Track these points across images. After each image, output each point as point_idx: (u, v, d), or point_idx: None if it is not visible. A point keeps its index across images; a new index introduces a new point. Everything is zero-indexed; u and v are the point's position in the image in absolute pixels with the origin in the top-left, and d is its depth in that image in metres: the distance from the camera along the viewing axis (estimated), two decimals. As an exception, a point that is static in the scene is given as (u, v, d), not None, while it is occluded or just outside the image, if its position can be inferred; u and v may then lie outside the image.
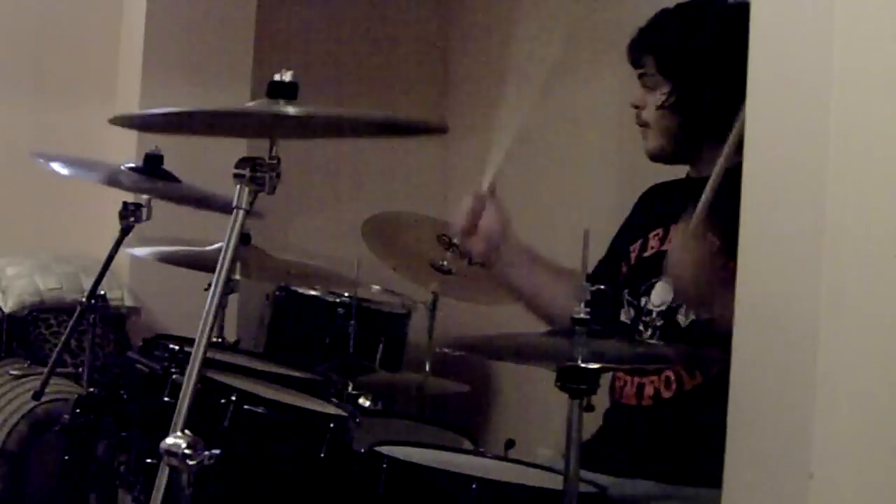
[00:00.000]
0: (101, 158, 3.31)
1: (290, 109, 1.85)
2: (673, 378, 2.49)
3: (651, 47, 2.61)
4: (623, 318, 2.64)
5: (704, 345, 2.39)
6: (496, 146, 2.62)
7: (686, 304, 2.45)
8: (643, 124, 2.64)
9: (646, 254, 2.65)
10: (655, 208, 2.75)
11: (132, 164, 2.92)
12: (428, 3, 5.08)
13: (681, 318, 2.50)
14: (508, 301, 3.23)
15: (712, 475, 2.01)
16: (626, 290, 2.65)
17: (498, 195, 2.72)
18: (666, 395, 2.50)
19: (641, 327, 2.58)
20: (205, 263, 2.98)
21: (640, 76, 2.64)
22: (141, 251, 3.32)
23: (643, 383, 2.54)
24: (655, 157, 2.66)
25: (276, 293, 4.12)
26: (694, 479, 2.38)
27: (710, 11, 2.54)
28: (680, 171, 2.74)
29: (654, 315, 2.56)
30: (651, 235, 2.65)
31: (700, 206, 2.28)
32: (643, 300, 2.59)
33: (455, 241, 2.74)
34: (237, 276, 3.07)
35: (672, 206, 2.66)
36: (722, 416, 1.96)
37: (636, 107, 2.65)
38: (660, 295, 2.56)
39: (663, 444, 2.50)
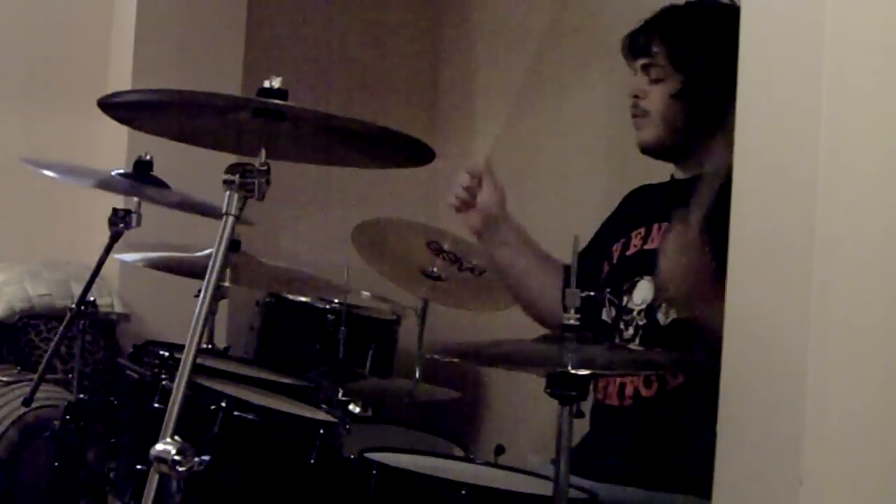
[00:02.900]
0: (92, 165, 3.30)
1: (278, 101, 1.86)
2: (654, 377, 2.49)
3: (663, 37, 2.58)
4: (605, 317, 2.64)
5: (685, 343, 2.39)
6: (493, 120, 2.63)
7: (667, 302, 2.44)
8: (641, 114, 2.62)
9: (628, 252, 2.66)
10: (639, 208, 2.75)
11: (122, 171, 2.92)
12: (417, 10, 5.09)
13: (660, 317, 2.50)
14: (496, 307, 3.24)
15: (698, 481, 2.02)
16: (608, 290, 2.65)
17: (493, 169, 2.72)
18: (646, 393, 2.50)
19: (622, 326, 2.58)
20: (194, 270, 2.98)
21: (645, 66, 2.61)
22: (130, 257, 3.32)
23: (624, 383, 2.55)
24: (650, 148, 2.64)
25: (266, 299, 4.12)
26: (678, 485, 2.38)
27: (721, 10, 2.54)
28: (664, 169, 2.74)
29: (634, 313, 2.56)
30: (633, 234, 2.66)
31: (699, 205, 2.26)
32: (624, 299, 2.59)
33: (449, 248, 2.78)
34: (227, 283, 3.07)
35: (656, 206, 2.67)
36: (705, 415, 1.96)
37: (636, 96, 2.63)
38: (641, 293, 2.56)
39: (646, 446, 2.50)
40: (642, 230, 2.64)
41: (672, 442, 2.44)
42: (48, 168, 2.96)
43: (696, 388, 2.38)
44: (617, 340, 2.56)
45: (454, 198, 2.72)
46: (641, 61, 2.62)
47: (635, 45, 2.64)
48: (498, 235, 2.74)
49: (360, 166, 2.35)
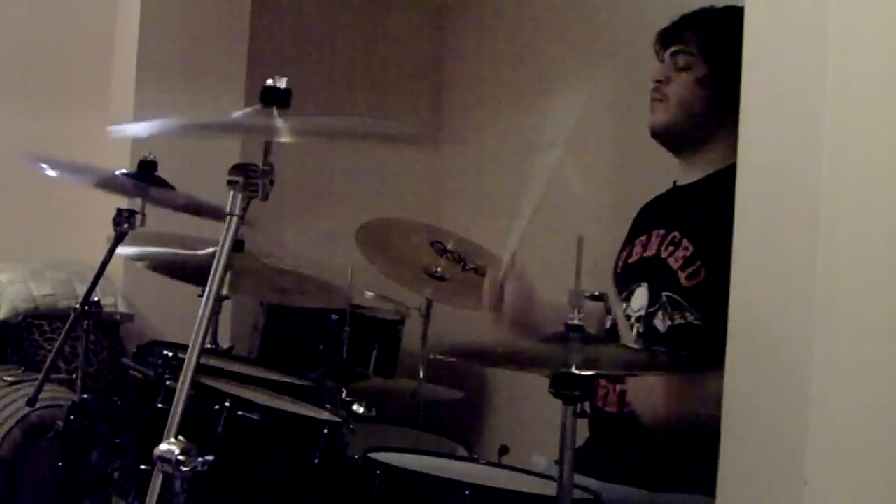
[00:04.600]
0: (95, 165, 3.28)
1: (281, 122, 1.85)
2: None
3: (697, 28, 2.59)
4: (607, 325, 2.64)
5: (684, 348, 2.39)
6: (519, 216, 2.61)
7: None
8: (660, 98, 2.61)
9: (630, 260, 2.66)
10: (645, 219, 2.75)
11: (125, 171, 2.91)
12: (422, 10, 5.09)
13: (658, 324, 2.49)
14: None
15: (700, 481, 2.01)
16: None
17: (518, 265, 2.68)
18: None
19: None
20: (198, 273, 2.96)
21: (674, 54, 2.61)
22: (132, 250, 3.26)
23: (625, 390, 2.54)
24: (660, 131, 2.62)
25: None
26: (682, 485, 2.38)
27: None
28: (668, 167, 2.72)
29: (632, 320, 2.55)
30: (636, 242, 2.66)
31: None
32: (624, 306, 2.59)
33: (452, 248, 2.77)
34: (225, 291, 3.04)
35: (657, 213, 2.67)
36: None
37: (658, 81, 2.62)
38: (638, 300, 2.56)
39: (650, 450, 2.49)
40: (644, 237, 2.64)
41: (679, 446, 2.42)
42: (51, 166, 2.94)
43: None
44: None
45: (486, 300, 2.70)
46: (672, 49, 2.61)
47: (668, 35, 2.64)
48: (533, 324, 2.70)
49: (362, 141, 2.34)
